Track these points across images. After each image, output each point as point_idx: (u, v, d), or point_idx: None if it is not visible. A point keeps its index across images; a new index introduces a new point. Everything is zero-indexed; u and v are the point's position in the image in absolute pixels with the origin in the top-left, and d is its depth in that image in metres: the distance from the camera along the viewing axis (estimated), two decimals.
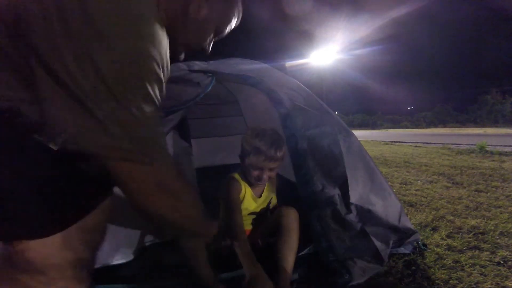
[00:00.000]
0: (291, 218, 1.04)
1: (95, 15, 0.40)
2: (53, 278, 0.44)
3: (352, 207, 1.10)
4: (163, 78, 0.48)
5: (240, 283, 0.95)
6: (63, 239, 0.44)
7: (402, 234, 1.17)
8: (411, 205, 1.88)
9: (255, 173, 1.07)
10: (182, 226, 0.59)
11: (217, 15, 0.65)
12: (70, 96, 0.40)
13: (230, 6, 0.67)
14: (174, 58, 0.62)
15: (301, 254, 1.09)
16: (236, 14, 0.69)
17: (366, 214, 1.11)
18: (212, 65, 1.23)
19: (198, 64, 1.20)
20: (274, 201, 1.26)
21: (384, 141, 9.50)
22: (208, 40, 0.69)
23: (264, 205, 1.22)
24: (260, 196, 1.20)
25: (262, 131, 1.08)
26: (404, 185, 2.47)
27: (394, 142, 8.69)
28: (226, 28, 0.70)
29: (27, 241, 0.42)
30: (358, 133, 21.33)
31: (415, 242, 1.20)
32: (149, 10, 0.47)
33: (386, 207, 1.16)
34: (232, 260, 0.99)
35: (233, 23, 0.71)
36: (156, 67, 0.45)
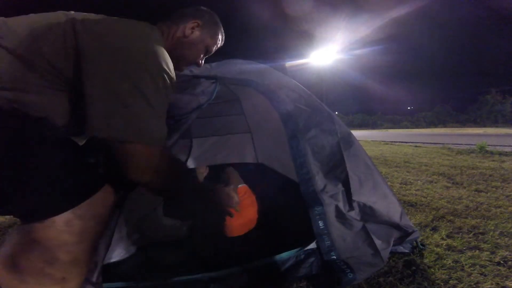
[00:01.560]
0: None
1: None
2: (52, 262, 0.54)
3: (355, 204, 1.11)
4: (170, 81, 0.64)
5: (232, 281, 0.99)
6: (66, 223, 0.54)
7: (403, 232, 1.17)
8: (411, 205, 1.88)
9: None
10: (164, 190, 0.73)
11: (206, 37, 0.87)
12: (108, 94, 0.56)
13: (216, 29, 0.90)
14: (177, 70, 0.79)
15: (307, 249, 1.11)
16: (220, 36, 0.92)
17: (368, 211, 1.12)
18: (214, 67, 1.23)
19: (200, 68, 1.20)
20: None
21: (384, 141, 9.51)
22: (200, 56, 0.90)
23: None
24: None
25: None
26: (404, 185, 2.47)
27: (394, 142, 8.69)
28: (213, 47, 0.92)
29: (44, 221, 0.53)
30: (358, 133, 21.35)
31: (414, 242, 1.20)
32: (158, 37, 0.71)
33: (387, 205, 1.16)
34: (223, 259, 1.02)
35: (219, 43, 0.93)
36: (165, 67, 0.62)
